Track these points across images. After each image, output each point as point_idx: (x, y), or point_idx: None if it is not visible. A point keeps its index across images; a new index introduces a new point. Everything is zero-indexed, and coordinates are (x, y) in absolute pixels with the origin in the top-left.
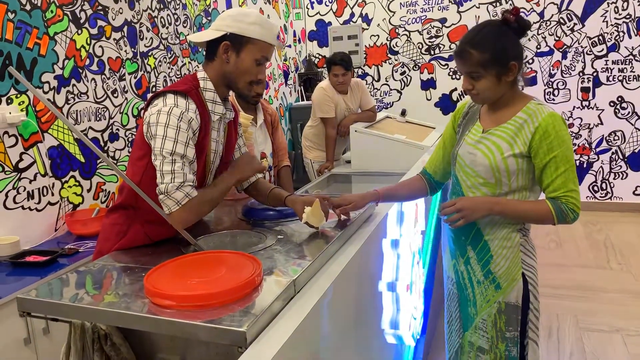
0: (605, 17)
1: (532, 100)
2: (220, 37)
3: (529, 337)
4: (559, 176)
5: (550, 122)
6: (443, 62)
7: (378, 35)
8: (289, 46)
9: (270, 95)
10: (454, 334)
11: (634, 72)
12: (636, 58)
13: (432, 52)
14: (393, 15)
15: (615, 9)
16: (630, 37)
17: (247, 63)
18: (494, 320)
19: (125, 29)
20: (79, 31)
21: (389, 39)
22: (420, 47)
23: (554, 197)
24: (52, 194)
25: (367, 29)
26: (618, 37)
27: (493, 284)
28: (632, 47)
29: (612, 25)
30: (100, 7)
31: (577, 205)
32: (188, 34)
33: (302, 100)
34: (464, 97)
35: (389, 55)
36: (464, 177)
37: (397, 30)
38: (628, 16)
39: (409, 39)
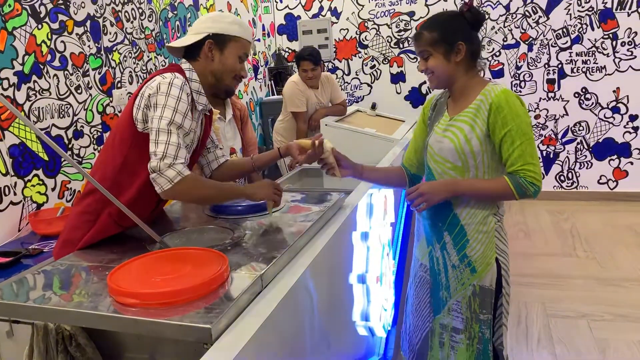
0: (569, 9)
1: (489, 83)
2: (202, 39)
3: (503, 323)
4: (516, 149)
5: (502, 98)
6: (412, 56)
7: (347, 29)
8: (258, 40)
9: (240, 90)
10: (422, 319)
11: (597, 63)
12: (599, 50)
13: (401, 46)
14: (362, 8)
15: (578, 2)
16: (592, 29)
17: (231, 60)
18: (469, 302)
19: (88, 23)
20: (39, 26)
21: (358, 33)
22: (390, 40)
23: (512, 172)
24: (15, 194)
25: (336, 23)
26: (581, 29)
27: (468, 267)
28: (595, 39)
29: (575, 17)
30: (60, 1)
31: (536, 178)
32: (153, 29)
33: (273, 94)
34: (432, 90)
35: (359, 49)
36: (435, 166)
37: (366, 24)
38: (590, 9)
39: (378, 32)
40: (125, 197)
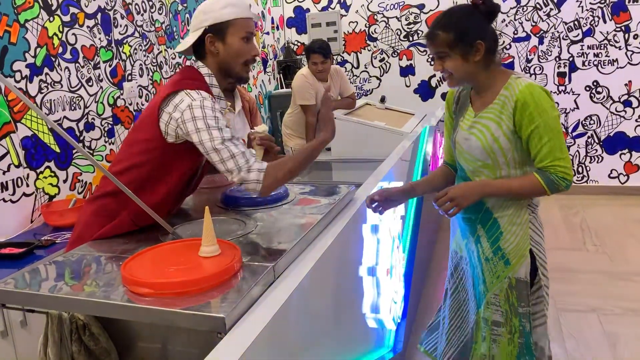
0: (581, 2)
1: (512, 75)
2: (201, 35)
3: (545, 314)
4: (544, 146)
5: (527, 93)
6: (422, 49)
7: (357, 22)
8: (267, 33)
9: (248, 83)
10: (470, 312)
11: (608, 56)
12: (610, 43)
13: (410, 39)
14: (371, 1)
15: None
16: (605, 22)
17: (236, 45)
18: (506, 294)
19: (99, 16)
20: (51, 18)
21: (367, 26)
22: (399, 33)
23: (541, 168)
24: (27, 185)
25: (345, 16)
26: (593, 22)
27: (502, 260)
28: (607, 32)
29: (587, 10)
30: None
31: (566, 172)
32: (163, 21)
33: (282, 87)
34: (442, 83)
35: (368, 42)
36: (465, 163)
37: (375, 17)
38: (603, 1)
39: (387, 25)
40: (146, 199)
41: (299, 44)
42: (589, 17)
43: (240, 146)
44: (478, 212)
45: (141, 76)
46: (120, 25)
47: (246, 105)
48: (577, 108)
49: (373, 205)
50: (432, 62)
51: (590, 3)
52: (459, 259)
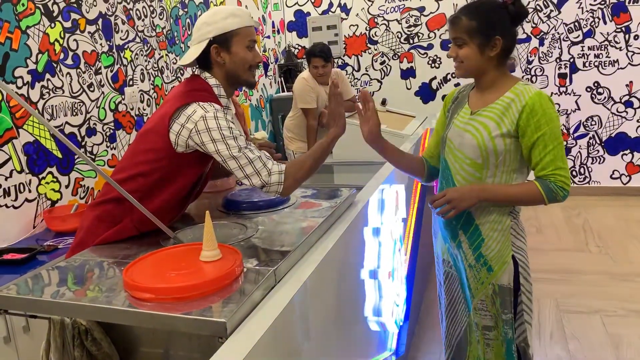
0: (581, 3)
1: (520, 82)
2: (206, 46)
3: (525, 320)
4: (548, 154)
5: (537, 101)
6: (422, 51)
7: (357, 25)
8: (268, 37)
9: None
10: (459, 314)
11: (609, 57)
12: (611, 44)
13: (411, 41)
14: (372, 4)
15: None
16: (605, 23)
17: (241, 53)
18: (492, 300)
19: (100, 21)
20: (52, 24)
21: (368, 29)
22: (399, 36)
23: (542, 176)
24: (29, 191)
25: (346, 19)
26: (593, 23)
27: (485, 266)
28: (607, 33)
29: (587, 11)
30: (73, 0)
31: (566, 182)
32: (164, 27)
33: (283, 91)
34: (443, 85)
35: (369, 45)
36: (453, 160)
37: (375, 20)
38: (603, 2)
39: (387, 28)
40: (150, 206)
41: (299, 47)
42: (589, 18)
43: (256, 151)
44: (460, 217)
45: (142, 81)
46: (122, 31)
47: (240, 111)
48: (578, 109)
49: (357, 103)
50: (433, 65)
51: (590, 4)
52: (441, 263)
